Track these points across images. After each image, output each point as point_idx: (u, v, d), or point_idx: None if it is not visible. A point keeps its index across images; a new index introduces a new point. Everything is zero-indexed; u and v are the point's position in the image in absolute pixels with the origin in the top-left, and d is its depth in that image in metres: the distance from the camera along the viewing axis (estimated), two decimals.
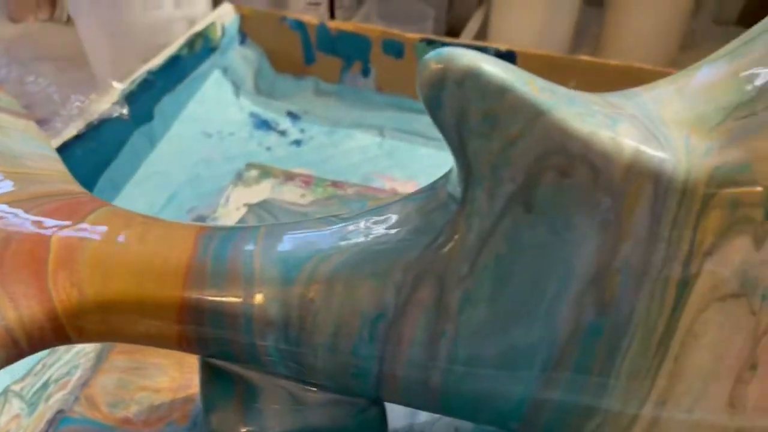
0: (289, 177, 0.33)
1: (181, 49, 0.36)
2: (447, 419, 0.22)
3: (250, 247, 0.16)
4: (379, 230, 0.16)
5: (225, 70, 0.40)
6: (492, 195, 0.14)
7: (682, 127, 0.14)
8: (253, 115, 0.40)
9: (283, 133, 0.39)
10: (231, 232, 0.17)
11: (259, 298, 0.16)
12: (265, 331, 0.16)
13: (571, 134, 0.13)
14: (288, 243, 0.16)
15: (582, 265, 0.14)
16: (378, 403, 0.18)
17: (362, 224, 0.16)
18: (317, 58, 0.41)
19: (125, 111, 0.32)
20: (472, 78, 0.13)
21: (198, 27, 0.38)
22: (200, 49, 0.38)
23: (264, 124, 0.40)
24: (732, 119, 0.14)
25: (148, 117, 0.34)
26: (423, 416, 0.22)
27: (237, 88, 0.41)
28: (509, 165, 0.14)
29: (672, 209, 0.13)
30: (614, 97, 0.15)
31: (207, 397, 0.17)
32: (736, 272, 0.13)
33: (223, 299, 0.16)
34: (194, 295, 0.16)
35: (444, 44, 0.38)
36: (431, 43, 0.38)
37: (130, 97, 0.33)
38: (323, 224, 0.17)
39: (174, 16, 0.37)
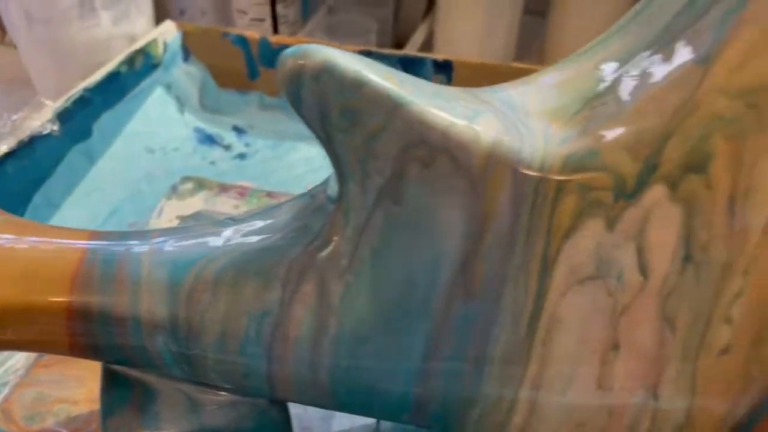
0: (224, 189, 0.33)
1: (119, 66, 0.36)
2: (364, 421, 0.22)
3: (140, 250, 0.16)
4: (267, 230, 0.16)
5: (168, 87, 0.41)
6: (363, 189, 0.14)
7: (544, 117, 0.14)
8: (197, 130, 0.40)
9: (227, 147, 0.40)
10: (123, 237, 0.17)
11: (146, 300, 0.16)
12: (153, 333, 0.16)
13: (431, 125, 0.13)
14: (178, 246, 0.17)
15: (450, 254, 0.14)
16: (280, 404, 0.18)
17: (252, 225, 0.17)
18: (261, 72, 0.41)
19: (56, 128, 0.32)
20: (327, 72, 0.13)
21: (138, 44, 0.38)
22: (141, 66, 0.38)
23: (208, 139, 0.40)
24: (587, 109, 0.14)
25: (85, 134, 0.35)
26: (338, 418, 0.22)
27: (181, 104, 0.41)
28: (375, 158, 0.14)
29: (529, 196, 0.14)
30: (483, 92, 0.15)
31: (105, 403, 0.17)
32: (591, 255, 0.14)
33: (111, 303, 0.16)
34: (82, 299, 0.16)
35: (381, 56, 0.39)
36: (369, 55, 0.39)
37: (64, 115, 0.33)
38: (216, 227, 0.17)
39: (113, 33, 0.37)
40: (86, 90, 0.34)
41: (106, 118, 0.36)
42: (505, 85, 0.16)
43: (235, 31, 0.41)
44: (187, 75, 0.42)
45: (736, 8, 0.12)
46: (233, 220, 0.17)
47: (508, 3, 0.44)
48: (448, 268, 0.14)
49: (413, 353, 0.15)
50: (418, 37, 0.47)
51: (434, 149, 0.14)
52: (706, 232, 0.13)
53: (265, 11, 0.43)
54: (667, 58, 0.13)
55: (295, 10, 0.45)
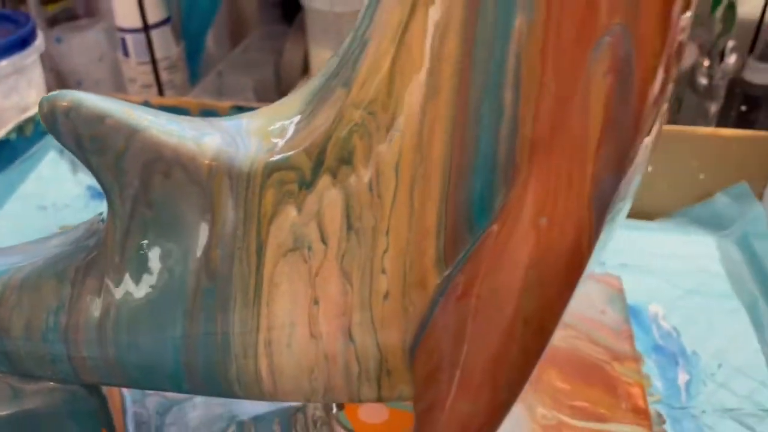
0: None
1: (9, 134, 0.41)
2: (198, 414, 0.26)
3: None
4: (64, 244, 0.20)
5: (61, 151, 0.45)
6: (122, 199, 0.18)
7: (260, 135, 0.19)
8: (90, 188, 0.44)
9: None
10: None
11: None
12: None
13: (164, 145, 0.18)
14: None
15: (194, 244, 0.18)
16: (97, 392, 0.22)
17: (55, 241, 0.21)
18: None
19: None
20: (74, 109, 0.17)
21: (28, 114, 0.42)
22: (32, 133, 0.42)
23: (100, 195, 0.44)
24: (290, 127, 0.19)
25: None
26: (173, 413, 0.25)
27: (75, 165, 0.45)
28: (124, 173, 0.18)
29: (242, 193, 0.18)
30: (219, 120, 0.20)
31: None
32: (289, 233, 0.18)
33: None
34: None
35: (250, 108, 0.43)
36: (241, 109, 0.43)
37: None
38: (30, 245, 0.21)
39: (3, 106, 0.41)
40: None
41: None
42: (246, 114, 0.20)
43: (119, 96, 0.45)
44: None
45: (365, 44, 0.17)
46: (44, 239, 0.21)
47: None
48: (194, 256, 0.18)
49: (176, 329, 0.19)
50: None
51: (169, 163, 0.18)
52: (358, 206, 0.17)
53: (151, 78, 0.47)
54: (336, 84, 0.18)
55: (181, 76, 0.50)
